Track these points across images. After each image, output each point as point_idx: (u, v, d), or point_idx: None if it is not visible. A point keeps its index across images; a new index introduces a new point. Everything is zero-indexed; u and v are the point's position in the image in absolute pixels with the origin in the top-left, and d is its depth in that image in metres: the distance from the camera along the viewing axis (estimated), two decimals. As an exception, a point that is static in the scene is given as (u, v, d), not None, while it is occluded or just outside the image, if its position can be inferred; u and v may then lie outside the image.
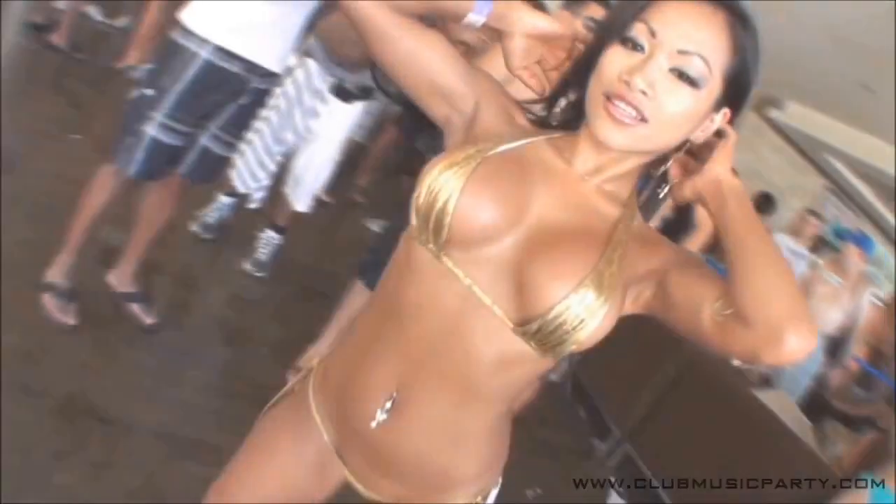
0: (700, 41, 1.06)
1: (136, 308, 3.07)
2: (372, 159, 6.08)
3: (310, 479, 1.37)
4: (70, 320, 2.82)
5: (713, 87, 1.08)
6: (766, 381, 4.71)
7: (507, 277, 1.11)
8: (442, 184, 1.10)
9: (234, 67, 2.66)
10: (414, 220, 1.14)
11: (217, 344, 3.33)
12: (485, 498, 1.36)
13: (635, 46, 1.08)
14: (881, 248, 6.04)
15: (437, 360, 1.17)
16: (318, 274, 4.49)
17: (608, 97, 1.07)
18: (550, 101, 1.24)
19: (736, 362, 0.93)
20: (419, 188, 1.12)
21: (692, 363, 4.09)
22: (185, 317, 3.34)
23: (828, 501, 3.42)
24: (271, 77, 2.83)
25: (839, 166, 6.19)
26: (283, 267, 4.12)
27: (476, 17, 1.17)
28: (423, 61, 1.18)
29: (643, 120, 1.07)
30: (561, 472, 3.98)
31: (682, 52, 1.06)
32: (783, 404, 4.44)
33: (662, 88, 1.06)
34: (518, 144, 1.17)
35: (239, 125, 2.90)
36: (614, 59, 1.09)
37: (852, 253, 5.41)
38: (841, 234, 5.59)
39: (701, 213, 3.74)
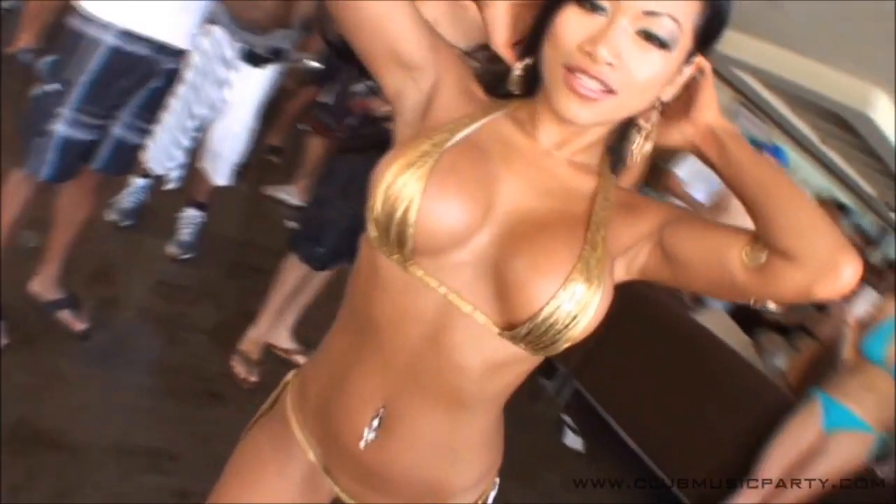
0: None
1: (65, 315, 2.88)
2: (286, 117, 5.86)
3: (299, 500, 1.28)
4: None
5: (684, 43, 0.98)
6: (699, 301, 4.78)
7: (486, 280, 1.02)
8: (399, 189, 0.99)
9: (142, 51, 2.47)
10: (373, 232, 1.03)
11: (153, 338, 3.17)
12: (484, 502, 1.30)
13: (594, 8, 0.95)
14: (794, 155, 6.16)
15: (422, 373, 1.08)
16: (246, 248, 4.34)
17: (569, 69, 0.96)
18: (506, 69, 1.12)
19: (772, 306, 0.90)
20: (373, 196, 1.01)
21: (631, 293, 4.12)
22: (115, 315, 3.15)
23: (780, 418, 3.52)
24: (181, 55, 2.65)
25: (748, 80, 6.25)
26: (209, 245, 3.95)
27: None
28: (390, 26, 1.03)
29: (610, 92, 0.96)
30: (511, 415, 3.96)
31: (648, 14, 0.94)
32: (721, 323, 4.53)
33: (630, 55, 0.95)
34: (476, 127, 1.06)
35: (152, 109, 2.72)
36: (572, 25, 0.97)
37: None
38: (755, 145, 5.66)
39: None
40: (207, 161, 3.76)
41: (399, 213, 0.99)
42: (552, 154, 1.09)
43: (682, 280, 1.07)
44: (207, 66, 3.40)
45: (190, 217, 3.86)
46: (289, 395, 1.31)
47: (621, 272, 1.09)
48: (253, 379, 3.14)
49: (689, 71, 1.04)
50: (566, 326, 0.98)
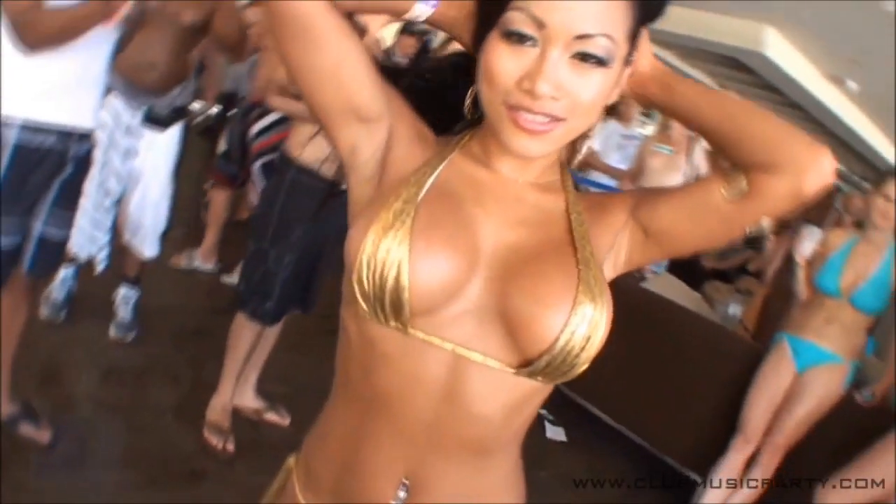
0: (596, 16, 0.91)
1: (27, 429, 2.73)
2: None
3: None
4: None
5: (621, 52, 0.95)
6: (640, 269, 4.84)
7: (491, 324, 0.99)
8: (384, 256, 0.94)
9: (48, 141, 2.35)
10: (364, 306, 0.98)
11: (117, 430, 3.03)
12: None
13: (523, 39, 0.92)
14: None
15: (443, 434, 1.03)
16: (186, 314, 4.22)
17: (511, 108, 0.94)
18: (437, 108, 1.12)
19: (765, 223, 0.91)
20: (356, 270, 0.96)
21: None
22: (73, 415, 3.01)
23: (749, 365, 3.57)
24: (89, 137, 2.53)
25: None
26: (149, 319, 3.82)
27: (424, 9, 0.99)
28: (348, 75, 0.99)
29: (558, 120, 0.94)
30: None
31: (580, 38, 0.91)
32: (670, 285, 4.59)
33: (570, 82, 0.92)
34: (438, 172, 1.03)
35: (70, 199, 2.59)
36: (504, 61, 0.93)
37: (676, 118, 5.57)
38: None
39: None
40: (132, 235, 3.63)
41: (391, 281, 0.95)
42: (517, 182, 1.07)
43: (674, 248, 1.08)
44: (111, 138, 3.29)
45: (125, 296, 3.73)
46: (296, 480, 1.24)
47: (609, 272, 1.08)
48: (230, 448, 3.04)
49: (629, 70, 1.02)
50: (583, 349, 0.96)
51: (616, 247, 1.08)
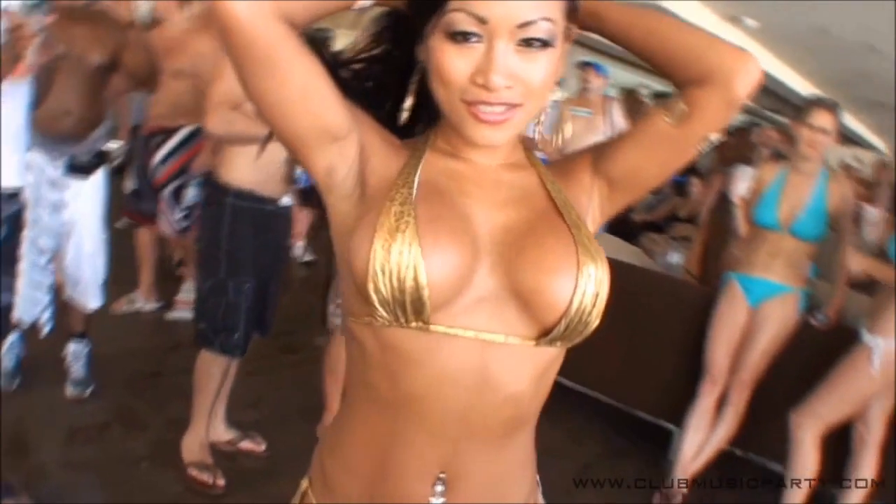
0: (534, 2, 0.96)
1: (7, 505, 2.65)
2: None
3: None
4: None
5: (562, 28, 1.01)
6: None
7: (505, 303, 1.02)
8: (397, 259, 0.96)
9: (-23, 205, 2.28)
10: (383, 312, 0.99)
11: (96, 489, 2.96)
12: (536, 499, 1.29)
13: (468, 37, 0.96)
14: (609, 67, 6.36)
15: (477, 421, 1.06)
16: (141, 357, 4.14)
17: (469, 103, 0.99)
18: (393, 111, 1.15)
19: (714, 137, 0.96)
20: (368, 277, 0.97)
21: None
22: (46, 482, 2.92)
23: (703, 307, 3.66)
24: (17, 195, 2.46)
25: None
26: (103, 370, 3.73)
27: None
28: (316, 99, 0.99)
29: (515, 107, 0.99)
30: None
31: (523, 25, 0.96)
32: (610, 245, 4.65)
33: (520, 68, 0.98)
34: (420, 171, 1.06)
35: (9, 262, 2.52)
36: (454, 61, 0.98)
37: (593, 77, 5.65)
38: (587, 66, 5.77)
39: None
40: (72, 290, 3.53)
41: (409, 281, 0.97)
42: (491, 166, 1.11)
43: (638, 187, 1.15)
44: (37, 195, 3.19)
45: (75, 352, 3.63)
46: (313, 500, 1.22)
47: (593, 228, 1.13)
48: (221, 482, 3.01)
49: (568, 45, 1.06)
50: (594, 307, 1.01)
51: (591, 202, 1.14)
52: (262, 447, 3.36)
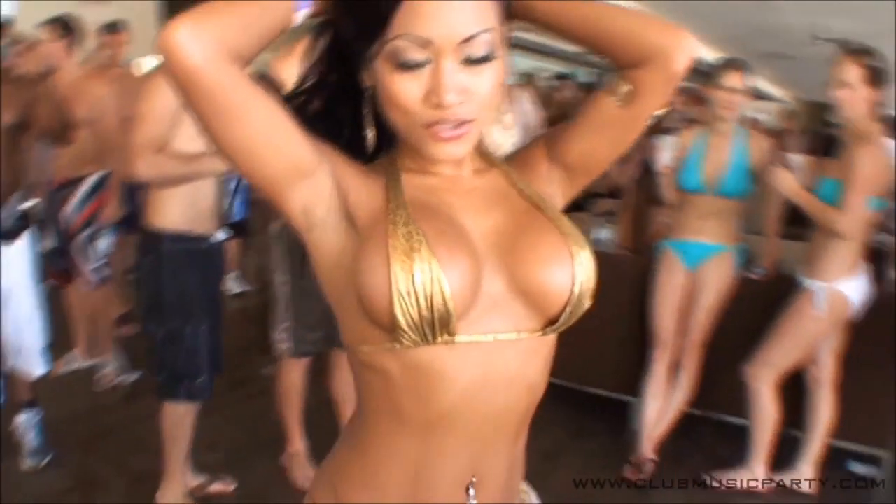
0: (472, 16, 0.97)
1: None
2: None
3: None
4: None
5: (502, 34, 1.03)
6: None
7: (511, 302, 1.06)
8: (422, 280, 0.97)
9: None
10: (410, 334, 0.99)
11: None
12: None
13: (417, 65, 0.98)
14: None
15: (503, 420, 1.11)
16: (92, 415, 4.05)
17: (428, 126, 1.00)
18: (353, 138, 1.14)
19: (660, 112, 1.01)
20: (393, 301, 0.97)
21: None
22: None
23: (642, 278, 3.74)
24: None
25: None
26: (58, 436, 3.62)
27: (304, 12, 1.00)
28: (281, 138, 0.98)
29: (471, 121, 1.01)
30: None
31: (466, 41, 0.97)
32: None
33: (470, 83, 0.99)
34: (402, 189, 1.07)
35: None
36: (405, 89, 0.99)
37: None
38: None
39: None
40: (15, 359, 3.43)
41: (438, 298, 0.98)
42: (463, 176, 1.13)
43: (593, 168, 1.18)
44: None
45: (26, 421, 3.51)
46: None
47: (563, 206, 1.19)
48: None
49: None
50: (588, 289, 1.07)
51: (553, 191, 1.17)
52: (232, 487, 3.33)
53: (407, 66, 0.98)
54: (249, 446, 3.71)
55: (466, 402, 1.06)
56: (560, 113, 6.06)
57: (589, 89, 9.34)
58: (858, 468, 3.76)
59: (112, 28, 4.99)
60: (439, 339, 1.01)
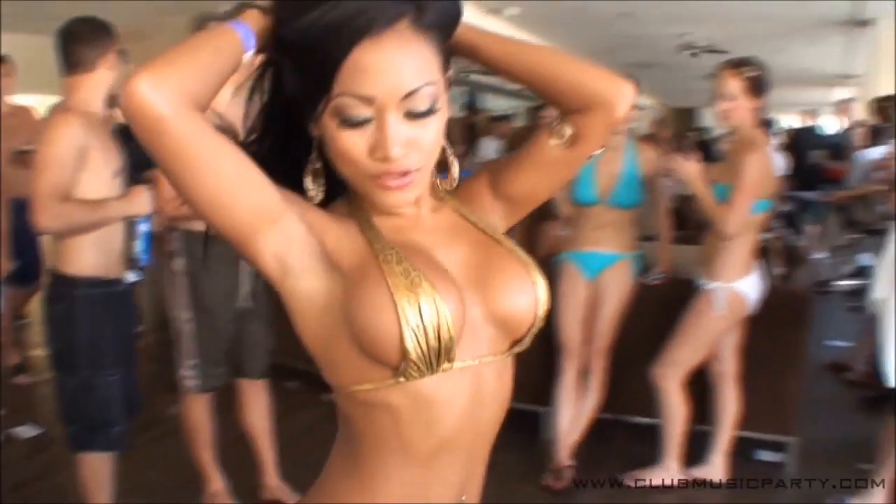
0: (413, 70, 1.00)
1: None
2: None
3: None
4: None
5: (443, 84, 1.06)
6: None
7: (486, 327, 1.12)
8: (428, 314, 1.00)
9: None
10: (420, 366, 1.02)
11: None
12: None
13: (363, 121, 1.00)
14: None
15: (486, 437, 1.17)
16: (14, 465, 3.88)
17: (375, 178, 1.03)
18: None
19: (598, 152, 1.08)
20: (403, 338, 0.99)
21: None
22: None
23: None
24: None
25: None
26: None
27: (251, 52, 1.01)
28: (247, 184, 0.98)
29: (417, 170, 1.05)
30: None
31: (408, 95, 0.99)
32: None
33: (414, 134, 1.01)
34: (379, 230, 1.09)
35: None
36: (351, 145, 1.01)
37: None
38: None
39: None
40: None
41: (445, 331, 1.01)
42: (422, 215, 1.16)
43: (532, 202, 1.26)
44: None
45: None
46: None
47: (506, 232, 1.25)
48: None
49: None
50: (546, 310, 1.14)
51: (496, 221, 1.23)
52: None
53: (351, 123, 1.00)
54: (169, 488, 3.61)
55: (463, 424, 1.10)
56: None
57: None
58: (766, 455, 3.95)
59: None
60: (441, 368, 1.05)
